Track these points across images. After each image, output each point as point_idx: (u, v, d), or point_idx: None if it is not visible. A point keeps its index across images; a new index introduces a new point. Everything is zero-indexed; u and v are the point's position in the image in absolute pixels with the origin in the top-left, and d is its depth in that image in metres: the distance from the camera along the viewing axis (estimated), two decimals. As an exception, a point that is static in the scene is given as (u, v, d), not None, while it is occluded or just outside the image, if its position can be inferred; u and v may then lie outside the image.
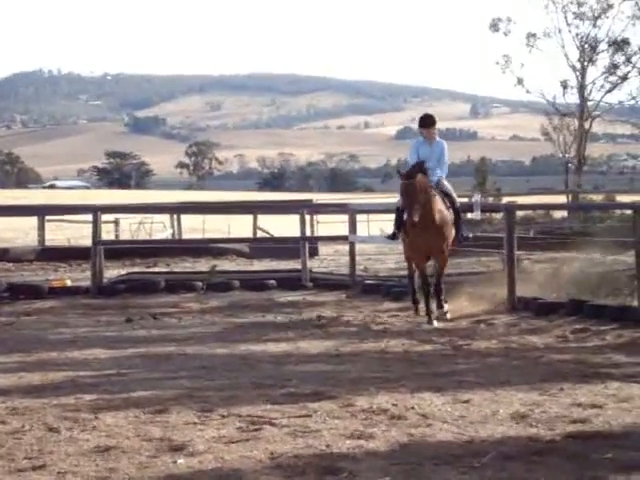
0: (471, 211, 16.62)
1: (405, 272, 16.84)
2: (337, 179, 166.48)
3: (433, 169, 14.71)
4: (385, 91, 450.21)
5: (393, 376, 9.88)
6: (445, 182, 15.00)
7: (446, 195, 14.75)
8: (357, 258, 19.72)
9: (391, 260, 24.49)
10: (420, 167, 14.18)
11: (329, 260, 25.32)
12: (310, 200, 28.70)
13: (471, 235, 15.52)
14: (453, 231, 14.78)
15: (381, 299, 16.72)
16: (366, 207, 26.65)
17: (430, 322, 14.15)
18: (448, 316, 14.54)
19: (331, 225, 30.28)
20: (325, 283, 18.95)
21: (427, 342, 12.37)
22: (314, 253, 24.68)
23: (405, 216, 14.10)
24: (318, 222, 32.06)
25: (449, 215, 14.58)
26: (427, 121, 15.18)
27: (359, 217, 20.97)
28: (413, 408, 8.27)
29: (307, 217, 24.38)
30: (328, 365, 10.70)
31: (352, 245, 19.33)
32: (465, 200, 17.67)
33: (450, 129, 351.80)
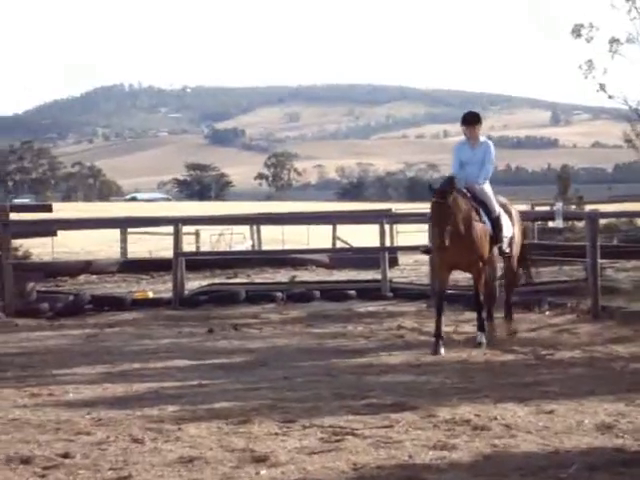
0: (553, 219, 16.43)
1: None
2: (416, 188, 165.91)
3: (474, 175, 13.27)
4: (464, 99, 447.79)
5: (475, 386, 9.82)
6: (486, 188, 13.41)
7: (482, 204, 13.18)
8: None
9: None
10: (452, 183, 12.66)
11: (409, 270, 25.21)
12: (389, 210, 28.55)
13: (508, 250, 13.63)
14: (488, 245, 13.15)
15: (462, 309, 16.59)
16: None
17: (436, 348, 12.28)
18: (482, 347, 12.64)
19: (411, 235, 30.14)
20: (405, 293, 18.85)
21: (510, 352, 12.26)
22: (394, 263, 24.57)
23: (432, 237, 12.88)
24: (398, 232, 31.94)
25: (483, 228, 12.99)
26: (469, 118, 13.62)
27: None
28: (496, 419, 8.20)
29: (387, 227, 24.30)
30: (409, 375, 10.66)
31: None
32: (547, 208, 17.46)
33: (530, 137, 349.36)
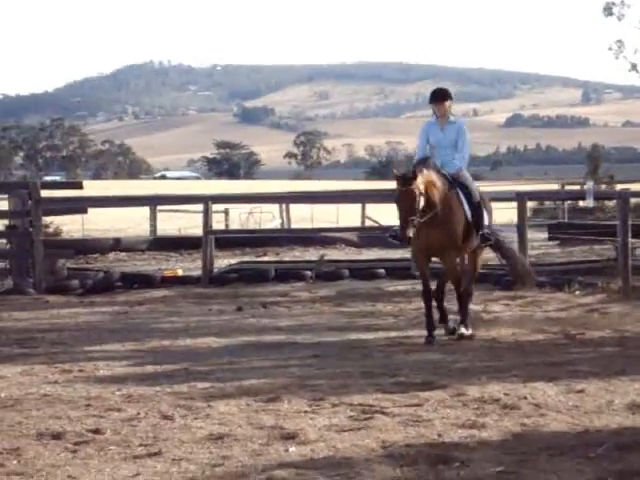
0: (583, 199, 16.33)
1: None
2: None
3: (446, 158, 11.92)
4: (494, 78, 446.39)
5: (504, 365, 9.80)
6: (464, 174, 12.06)
7: (462, 187, 11.86)
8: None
9: (501, 248, 24.21)
10: (424, 164, 11.45)
11: (438, 249, 25.14)
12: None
13: (492, 238, 12.22)
14: (468, 230, 11.82)
15: (491, 288, 16.56)
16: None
17: (430, 337, 11.53)
18: (465, 332, 11.80)
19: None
20: (434, 272, 18.80)
21: (539, 331, 12.21)
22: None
23: (398, 227, 11.31)
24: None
25: (461, 212, 11.69)
26: (437, 94, 12.16)
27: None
28: (526, 398, 8.18)
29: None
30: (438, 354, 10.65)
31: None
32: (577, 188, 17.33)
33: (561, 116, 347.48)
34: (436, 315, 12.04)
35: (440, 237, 11.49)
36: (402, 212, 11.04)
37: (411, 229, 10.98)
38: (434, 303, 11.97)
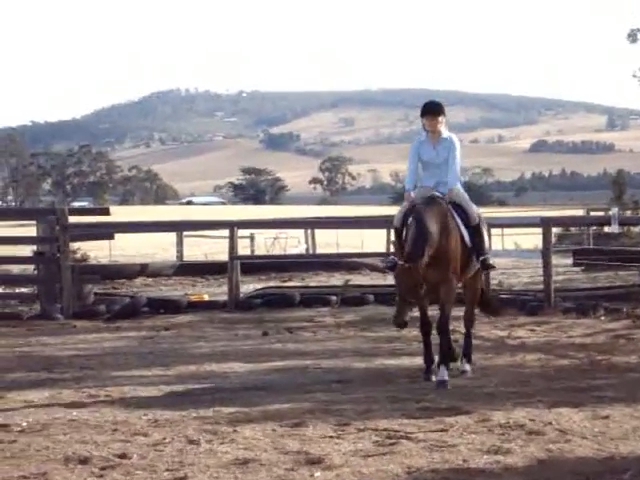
0: (608, 224, 16.28)
1: (539, 286, 16.58)
2: (470, 193, 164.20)
3: (440, 178, 10.98)
4: (519, 104, 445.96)
5: (530, 391, 9.78)
6: (459, 191, 11.09)
7: (458, 208, 10.89)
8: (491, 272, 19.51)
9: (526, 274, 24.19)
10: (423, 245, 10.08)
11: (463, 274, 25.10)
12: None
13: (494, 264, 11.44)
14: (465, 256, 10.85)
15: (516, 313, 16.53)
16: (500, 221, 26.39)
17: (427, 374, 10.74)
18: (468, 374, 10.97)
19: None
20: (459, 298, 18.78)
21: (564, 357, 12.19)
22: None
23: (396, 305, 10.31)
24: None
25: (457, 237, 10.66)
26: (429, 108, 11.06)
27: (493, 231, 20.77)
28: (551, 423, 8.17)
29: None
30: (464, 379, 10.64)
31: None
32: (602, 213, 17.28)
33: (586, 142, 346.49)
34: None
35: (435, 271, 10.38)
36: (403, 292, 10.08)
37: (407, 313, 10.11)
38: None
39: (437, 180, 11.00)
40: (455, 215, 10.75)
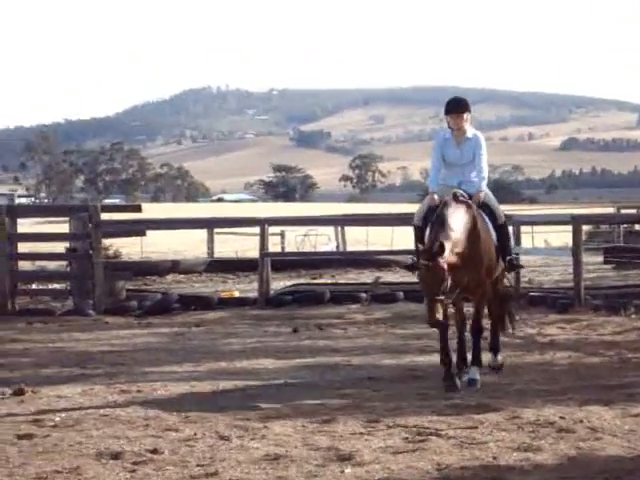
0: (639, 222, 16.17)
1: (570, 284, 16.44)
2: (501, 190, 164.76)
3: (464, 178, 10.59)
4: (549, 102, 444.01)
5: (560, 389, 9.77)
6: (486, 192, 10.69)
7: (485, 207, 10.58)
8: (521, 270, 19.47)
9: (556, 272, 24.11)
10: (442, 224, 9.72)
11: (494, 272, 25.04)
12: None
13: (521, 263, 11.32)
14: (498, 261, 10.58)
15: (546, 311, 16.49)
16: (531, 219, 26.30)
17: (451, 383, 10.02)
18: (478, 384, 10.19)
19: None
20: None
21: (595, 355, 12.16)
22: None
23: (425, 304, 9.62)
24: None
25: (489, 238, 10.34)
26: (453, 105, 10.60)
27: (523, 229, 20.73)
28: (581, 421, 8.16)
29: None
30: (493, 377, 10.64)
31: (517, 257, 19.08)
32: (633, 211, 17.16)
33: (617, 139, 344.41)
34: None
35: (467, 275, 9.98)
36: (427, 290, 9.50)
37: (439, 311, 9.42)
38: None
39: (460, 179, 10.58)
40: (483, 214, 10.40)
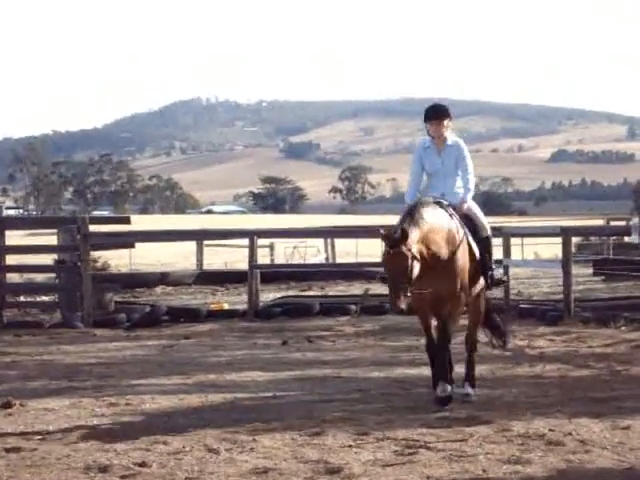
0: (629, 235, 16.21)
1: (559, 296, 16.46)
2: (490, 202, 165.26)
3: (447, 188, 10.13)
4: (539, 114, 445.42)
5: (549, 401, 9.76)
6: (470, 204, 10.21)
7: (467, 220, 10.04)
8: (511, 282, 19.50)
9: (545, 284, 24.14)
10: (412, 215, 9.29)
11: (483, 284, 25.08)
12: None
13: (505, 278, 10.98)
14: (478, 276, 10.12)
15: (536, 323, 16.51)
16: (520, 230, 26.34)
17: (440, 397, 9.60)
18: (472, 398, 9.98)
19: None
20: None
21: (584, 367, 12.15)
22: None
23: (389, 296, 9.27)
24: (472, 246, 31.87)
25: (465, 252, 9.77)
26: (433, 112, 10.22)
27: (513, 240, 20.75)
28: (571, 434, 8.16)
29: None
30: (483, 389, 10.61)
31: (506, 269, 19.10)
32: (623, 223, 17.20)
33: (606, 151, 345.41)
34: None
35: (442, 287, 9.52)
36: (391, 279, 9.15)
37: (403, 298, 9.01)
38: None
39: (443, 190, 10.10)
40: (463, 225, 9.88)
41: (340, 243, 34.69)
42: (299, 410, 9.48)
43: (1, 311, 18.00)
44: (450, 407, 9.47)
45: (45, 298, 21.05)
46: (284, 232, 26.63)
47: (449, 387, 9.61)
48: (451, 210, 9.82)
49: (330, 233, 30.30)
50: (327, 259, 33.31)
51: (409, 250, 9.02)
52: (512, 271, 20.06)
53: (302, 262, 34.10)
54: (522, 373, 11.77)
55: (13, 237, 22.63)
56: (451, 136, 10.29)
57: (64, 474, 7.18)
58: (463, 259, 9.69)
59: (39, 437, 8.45)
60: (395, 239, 9.03)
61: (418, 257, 9.11)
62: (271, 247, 34.15)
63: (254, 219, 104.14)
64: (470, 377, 10.28)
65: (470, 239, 9.91)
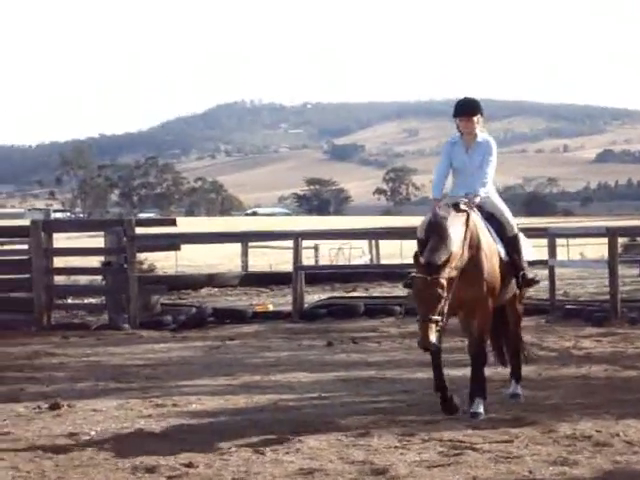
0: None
1: (605, 297, 16.32)
2: (535, 203, 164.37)
3: (471, 188, 9.57)
4: (584, 114, 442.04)
5: (596, 402, 9.69)
6: (495, 198, 9.87)
7: (491, 218, 9.66)
8: (557, 282, 19.40)
9: (591, 284, 23.98)
10: (439, 235, 8.70)
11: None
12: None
13: (537, 278, 10.14)
14: (508, 278, 9.62)
15: (582, 324, 16.41)
16: (566, 231, 26.19)
17: (450, 407, 9.18)
18: (521, 398, 9.86)
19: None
20: (524, 308, 18.66)
21: (631, 368, 12.05)
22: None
23: (418, 325, 8.75)
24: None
25: (491, 252, 9.32)
26: (463, 107, 9.87)
27: (558, 241, 20.65)
28: (618, 435, 8.10)
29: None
30: (529, 390, 10.55)
31: (552, 269, 19.03)
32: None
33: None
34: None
35: (466, 294, 9.00)
36: (422, 309, 8.62)
37: (434, 333, 8.53)
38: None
39: (469, 189, 9.60)
40: (488, 225, 9.49)
41: (384, 244, 34.63)
42: (344, 411, 9.49)
43: (49, 313, 18.17)
44: (496, 408, 9.41)
45: (92, 300, 21.23)
46: (328, 233, 26.63)
47: (483, 410, 9.04)
48: (468, 209, 9.26)
49: (374, 234, 30.25)
50: (371, 260, 33.29)
51: (445, 280, 8.55)
52: (558, 271, 19.95)
53: (347, 263, 34.08)
54: (568, 374, 11.70)
55: (60, 239, 22.84)
56: (481, 133, 9.88)
57: (112, 475, 7.24)
58: (489, 262, 9.22)
59: (87, 438, 8.52)
60: (436, 266, 8.52)
61: (448, 285, 8.59)
62: (316, 248, 34.20)
63: (298, 221, 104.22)
64: (517, 376, 10.11)
65: (495, 239, 9.48)
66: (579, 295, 21.48)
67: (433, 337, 8.49)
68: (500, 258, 9.46)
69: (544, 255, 19.58)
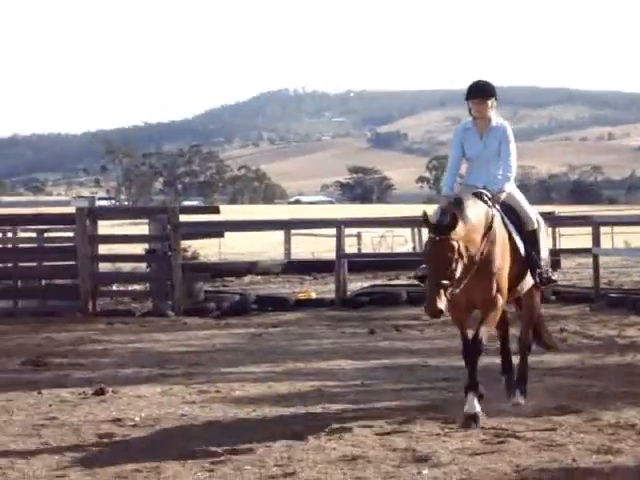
0: None
1: None
2: (580, 191, 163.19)
3: (489, 176, 9.05)
4: (630, 101, 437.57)
5: (640, 391, 9.64)
6: (511, 193, 9.15)
7: (511, 211, 9.04)
8: (601, 271, 19.27)
9: (636, 273, 23.79)
10: (454, 215, 8.07)
11: (572, 273, 24.84)
12: (552, 212, 28.19)
13: (555, 276, 9.45)
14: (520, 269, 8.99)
15: (627, 312, 16.30)
16: (610, 219, 25.99)
17: (470, 406, 8.38)
18: (521, 400, 9.13)
19: (574, 238, 29.74)
20: (568, 296, 18.61)
21: (676, 357, 11.97)
22: (556, 266, 24.27)
23: (426, 294, 8.30)
24: (560, 235, 31.54)
25: (506, 248, 8.73)
26: (476, 90, 9.18)
27: (603, 229, 20.51)
28: (662, 424, 8.05)
29: (549, 229, 24.03)
30: (572, 379, 10.54)
31: (596, 258, 18.91)
32: None
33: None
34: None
35: (477, 286, 8.45)
36: (432, 273, 8.12)
37: (443, 299, 7.98)
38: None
39: (485, 178, 9.05)
40: (506, 219, 8.87)
41: (427, 233, 34.52)
42: (387, 398, 9.51)
43: (94, 299, 18.31)
44: (539, 396, 9.29)
45: (136, 287, 21.37)
46: (371, 222, 26.64)
47: (477, 405, 8.42)
48: (491, 203, 8.76)
49: (417, 222, 30.09)
50: (414, 248, 33.19)
51: (457, 241, 8.03)
52: (602, 260, 19.81)
53: (389, 251, 34.03)
54: (612, 362, 11.65)
55: (105, 227, 23.01)
56: (496, 117, 9.19)
57: (156, 460, 7.29)
58: (501, 258, 8.62)
59: (131, 423, 8.60)
60: (445, 225, 8.04)
61: (464, 254, 8.10)
62: (358, 236, 34.14)
63: (341, 209, 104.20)
64: (522, 383, 9.40)
65: (515, 235, 8.90)
66: (623, 283, 21.33)
67: (441, 304, 7.94)
68: (518, 253, 8.89)
69: (587, 243, 19.49)
